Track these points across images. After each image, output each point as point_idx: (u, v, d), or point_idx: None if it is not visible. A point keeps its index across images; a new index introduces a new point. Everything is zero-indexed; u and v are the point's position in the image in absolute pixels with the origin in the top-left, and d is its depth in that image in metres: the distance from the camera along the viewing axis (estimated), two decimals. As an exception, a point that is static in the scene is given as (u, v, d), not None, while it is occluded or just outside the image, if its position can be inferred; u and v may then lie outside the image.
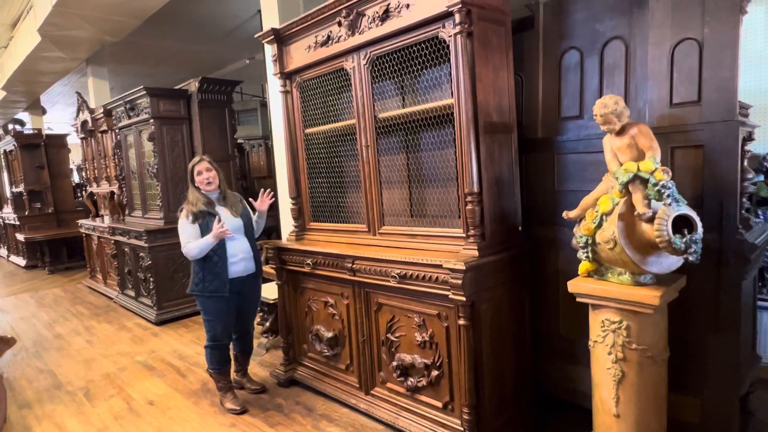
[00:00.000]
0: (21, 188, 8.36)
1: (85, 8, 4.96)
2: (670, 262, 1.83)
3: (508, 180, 2.34)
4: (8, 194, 9.03)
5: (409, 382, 2.47)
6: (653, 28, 2.08)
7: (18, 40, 6.95)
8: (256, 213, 3.03)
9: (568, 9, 2.34)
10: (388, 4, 2.34)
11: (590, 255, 1.94)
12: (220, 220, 2.72)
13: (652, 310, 1.79)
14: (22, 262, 8.68)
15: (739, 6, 1.87)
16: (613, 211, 1.84)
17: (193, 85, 4.77)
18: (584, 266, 2.00)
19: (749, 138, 2.10)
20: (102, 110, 5.82)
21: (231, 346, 3.03)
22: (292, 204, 3.17)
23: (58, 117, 12.58)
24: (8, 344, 0.99)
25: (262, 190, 3.01)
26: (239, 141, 7.63)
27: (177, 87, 4.93)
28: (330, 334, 2.88)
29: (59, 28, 5.46)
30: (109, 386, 3.41)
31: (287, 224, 3.53)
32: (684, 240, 1.66)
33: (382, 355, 2.61)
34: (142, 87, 4.66)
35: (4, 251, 9.94)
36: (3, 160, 9.11)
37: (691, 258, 1.68)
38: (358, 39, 2.53)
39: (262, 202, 2.99)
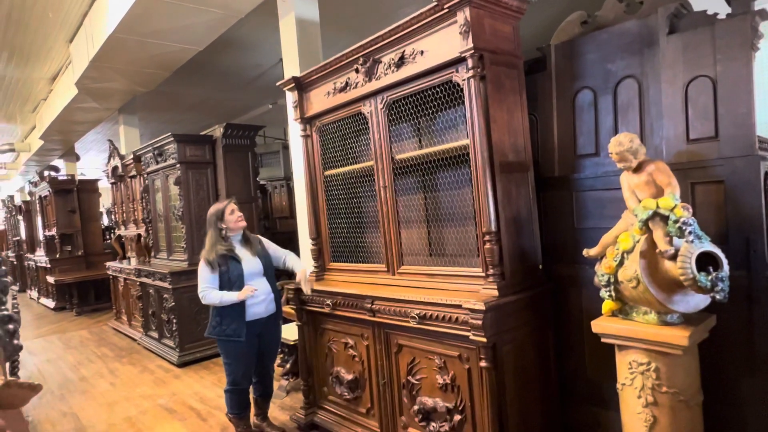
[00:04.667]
0: (53, 232, 8.67)
1: (119, 63, 5.28)
2: (697, 301, 1.78)
3: (526, 218, 2.34)
4: (41, 237, 9.36)
5: (431, 427, 2.40)
6: (665, 67, 2.10)
7: (56, 92, 7.40)
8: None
9: (579, 51, 2.39)
10: (403, 52, 2.43)
11: (613, 294, 1.91)
12: (243, 269, 2.81)
13: (681, 351, 1.73)
14: (51, 304, 8.88)
15: (750, 43, 1.88)
16: (634, 248, 1.82)
17: (218, 131, 4.97)
18: (608, 305, 1.96)
19: (772, 172, 2.06)
20: (132, 156, 6.07)
21: (251, 389, 3.01)
22: (312, 244, 3.21)
23: (91, 163, 13.15)
24: (35, 390, 1.01)
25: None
26: (262, 182, 7.82)
27: (203, 133, 5.14)
28: (350, 377, 2.84)
29: (95, 81, 5.80)
30: (131, 430, 3.40)
31: (307, 265, 3.56)
32: (710, 278, 1.62)
33: (403, 399, 2.56)
34: (170, 134, 4.86)
35: (34, 293, 10.20)
36: (38, 205, 9.50)
37: (718, 297, 1.64)
38: (375, 84, 2.62)
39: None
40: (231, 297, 2.73)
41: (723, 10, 1.99)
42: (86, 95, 6.34)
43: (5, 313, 1.09)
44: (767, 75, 2.91)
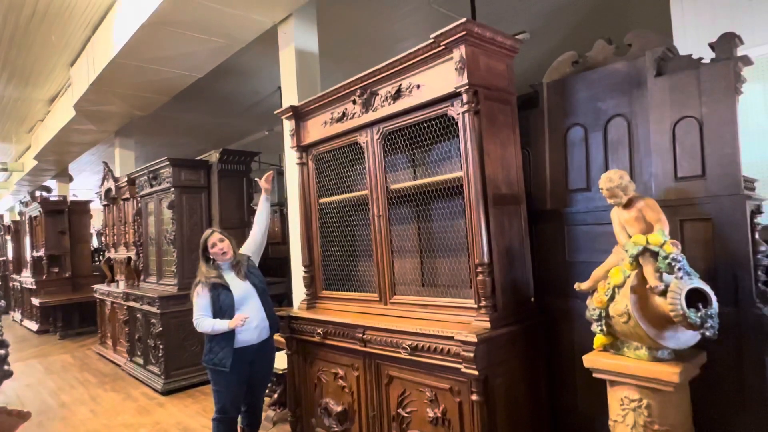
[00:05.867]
0: (41, 253, 8.54)
1: (119, 87, 5.35)
2: (688, 337, 1.79)
3: (518, 251, 2.36)
4: (28, 258, 9.22)
5: (420, 463, 2.35)
6: (653, 107, 2.17)
7: (54, 114, 7.44)
8: (263, 195, 3.15)
9: (570, 89, 2.47)
10: (400, 85, 2.50)
11: (605, 328, 1.91)
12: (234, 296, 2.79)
13: (672, 387, 1.73)
14: (34, 326, 8.68)
15: (734, 87, 1.96)
16: (625, 283, 1.84)
17: (213, 156, 5.00)
18: (599, 340, 1.96)
19: (758, 211, 2.11)
20: (126, 179, 6.07)
21: (239, 419, 2.94)
22: (305, 272, 3.20)
23: (84, 184, 13.10)
24: (23, 418, 0.99)
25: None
26: (255, 208, 7.81)
27: (199, 158, 5.17)
28: (339, 408, 2.79)
29: (94, 104, 5.85)
30: (110, 461, 3.29)
31: (299, 292, 3.53)
32: (699, 314, 1.64)
33: (393, 432, 2.51)
34: (165, 158, 4.88)
35: (18, 315, 9.98)
36: (27, 225, 9.41)
37: (707, 333, 1.65)
38: (371, 116, 2.67)
39: (266, 181, 3.12)
40: (222, 325, 2.69)
41: (708, 55, 2.08)
42: (84, 117, 6.38)
43: (-1, 338, 1.08)
44: (752, 117, 3.01)
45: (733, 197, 1.97)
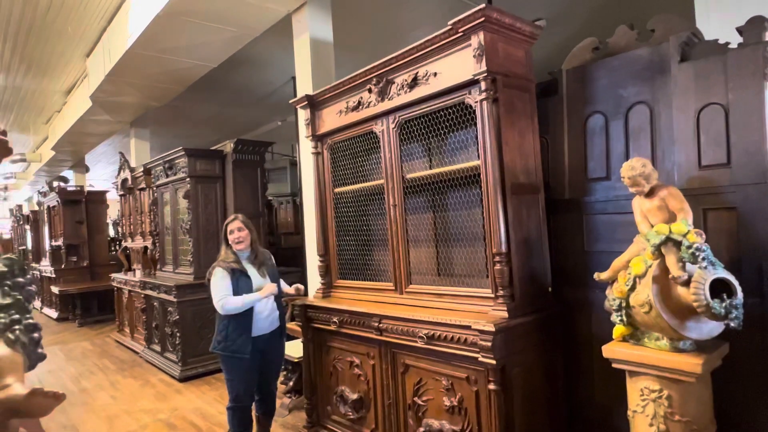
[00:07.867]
0: (60, 242, 8.70)
1: (134, 77, 5.39)
2: (711, 328, 1.76)
3: (536, 240, 2.34)
4: (47, 247, 9.40)
5: (436, 451, 2.36)
6: (677, 94, 2.12)
7: (71, 105, 7.52)
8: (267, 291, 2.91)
9: (590, 76, 2.42)
10: (417, 73, 2.47)
11: (625, 318, 1.89)
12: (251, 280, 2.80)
13: (694, 378, 1.71)
14: (54, 314, 8.87)
15: (762, 73, 1.90)
16: (647, 273, 1.81)
17: (228, 146, 5.02)
18: (619, 330, 1.94)
19: (784, 200, 2.06)
20: (142, 169, 6.13)
21: (254, 406, 2.98)
22: (320, 261, 3.21)
23: (100, 174, 13.27)
24: (58, 400, 1.01)
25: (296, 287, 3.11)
26: (269, 198, 7.85)
27: (213, 148, 5.19)
28: (355, 396, 2.81)
29: (110, 94, 5.91)
30: (131, 445, 3.37)
31: (314, 281, 3.55)
32: (723, 305, 1.61)
33: (409, 420, 2.52)
34: (181, 148, 4.92)
35: (38, 303, 10.20)
36: (46, 215, 9.57)
37: (732, 324, 1.62)
38: (387, 104, 2.65)
39: (296, 290, 3.10)
40: (253, 297, 2.73)
41: (734, 40, 2.02)
42: (100, 108, 6.45)
43: (31, 321, 1.10)
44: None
45: (759, 186, 1.92)
